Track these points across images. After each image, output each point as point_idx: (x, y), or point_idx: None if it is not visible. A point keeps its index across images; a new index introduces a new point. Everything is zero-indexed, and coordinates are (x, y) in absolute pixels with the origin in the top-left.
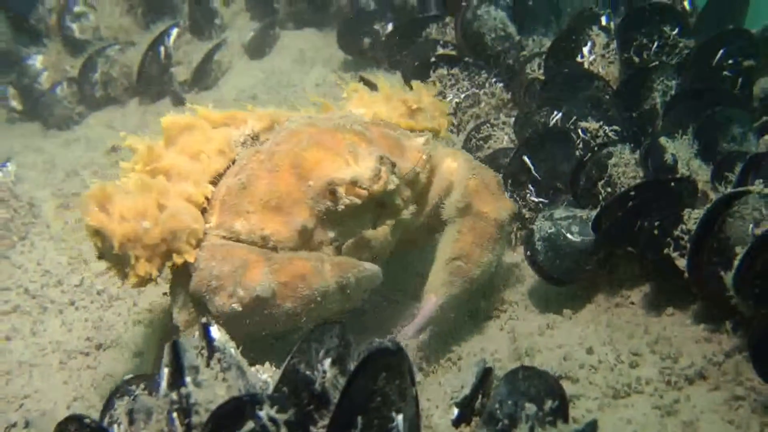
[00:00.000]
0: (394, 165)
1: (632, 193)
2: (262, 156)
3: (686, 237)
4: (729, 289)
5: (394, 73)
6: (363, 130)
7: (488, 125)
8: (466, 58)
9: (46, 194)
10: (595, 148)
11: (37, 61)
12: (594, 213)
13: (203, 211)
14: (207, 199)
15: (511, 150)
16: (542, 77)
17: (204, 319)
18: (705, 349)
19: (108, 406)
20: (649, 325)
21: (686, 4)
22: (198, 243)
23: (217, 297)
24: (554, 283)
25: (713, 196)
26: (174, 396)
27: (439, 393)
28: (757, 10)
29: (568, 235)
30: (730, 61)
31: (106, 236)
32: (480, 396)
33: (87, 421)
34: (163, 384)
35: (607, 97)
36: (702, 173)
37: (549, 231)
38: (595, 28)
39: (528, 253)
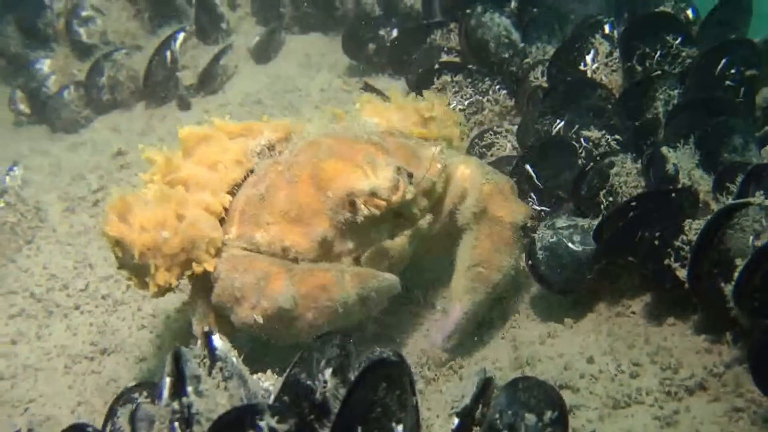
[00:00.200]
0: (411, 175)
1: (633, 203)
2: (281, 167)
3: (687, 248)
4: (729, 301)
5: (399, 79)
6: (380, 141)
7: (491, 133)
8: (470, 66)
9: (53, 198)
10: (597, 158)
11: (44, 65)
12: (595, 222)
13: (221, 220)
14: (225, 209)
15: (514, 158)
16: (545, 85)
17: (206, 328)
18: (705, 360)
19: (111, 413)
20: (649, 335)
21: (689, 12)
22: (217, 252)
23: (240, 308)
24: (555, 293)
25: (714, 206)
26: (176, 405)
27: (440, 402)
28: (760, 19)
29: (570, 245)
30: (733, 71)
31: (127, 246)
32: (480, 406)
33: (90, 429)
34: (165, 393)
35: (610, 106)
36: (703, 183)
37: (550, 240)
38: (598, 36)
39: (530, 262)
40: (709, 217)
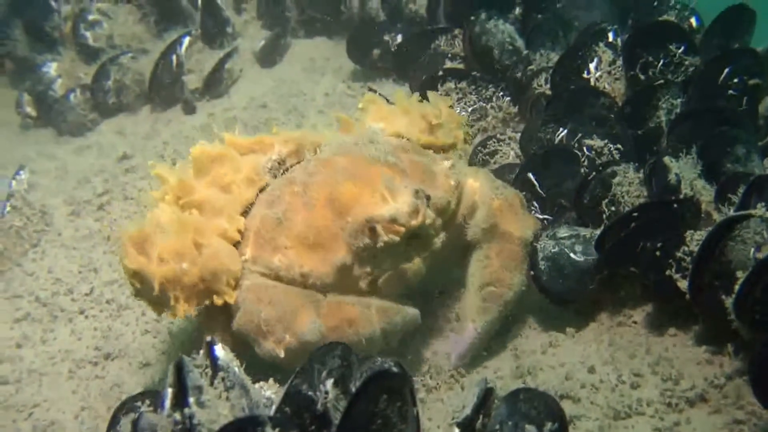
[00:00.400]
0: (429, 198)
1: (635, 213)
2: (297, 188)
3: (688, 258)
4: (730, 313)
5: (403, 85)
6: (396, 161)
7: (495, 140)
8: (474, 72)
9: (58, 202)
10: (600, 167)
11: (51, 68)
12: (597, 232)
13: (236, 243)
14: (240, 231)
15: (517, 165)
16: (549, 93)
17: (209, 338)
18: (706, 372)
19: (114, 422)
20: (651, 346)
21: (693, 21)
22: (236, 283)
23: (266, 342)
24: (557, 302)
25: (717, 216)
26: (177, 416)
27: (442, 412)
28: (764, 27)
29: (572, 255)
30: (736, 80)
31: (146, 278)
32: (481, 416)
33: None
34: (167, 404)
35: (613, 114)
36: (706, 193)
37: (552, 250)
38: (601, 44)
39: (531, 272)
40: (710, 228)
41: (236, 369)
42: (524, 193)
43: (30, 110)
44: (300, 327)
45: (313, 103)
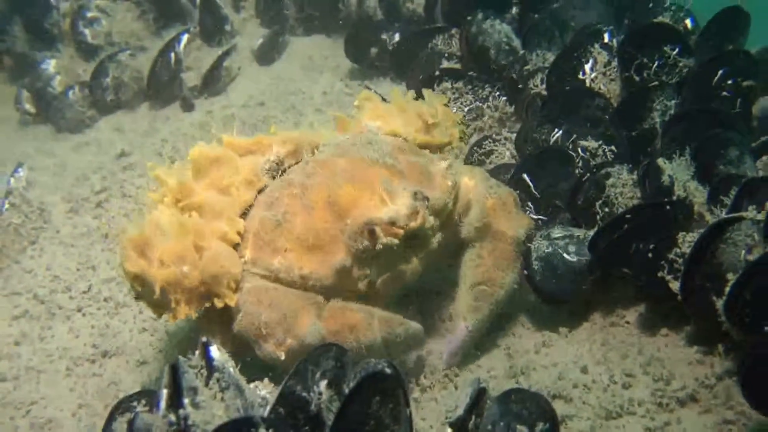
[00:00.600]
0: (427, 199)
1: (628, 215)
2: (296, 190)
3: (680, 260)
4: (720, 315)
5: (400, 84)
6: (394, 163)
7: (490, 140)
8: (471, 72)
9: (57, 199)
10: (594, 168)
11: (50, 65)
12: (591, 233)
13: (235, 245)
14: (239, 233)
15: (512, 166)
16: (544, 93)
17: (204, 339)
18: (697, 372)
19: (110, 421)
20: (643, 346)
21: (688, 22)
22: (237, 285)
23: (267, 344)
24: (550, 302)
25: (709, 218)
26: (172, 417)
27: (435, 412)
28: (758, 29)
29: (565, 256)
30: (730, 82)
31: (147, 282)
32: (474, 416)
33: None
34: (162, 404)
35: (607, 116)
36: (698, 195)
37: (546, 251)
38: (597, 45)
39: (525, 272)
40: (702, 230)
41: (231, 370)
42: (519, 193)
43: (29, 107)
44: (300, 329)
45: (311, 101)
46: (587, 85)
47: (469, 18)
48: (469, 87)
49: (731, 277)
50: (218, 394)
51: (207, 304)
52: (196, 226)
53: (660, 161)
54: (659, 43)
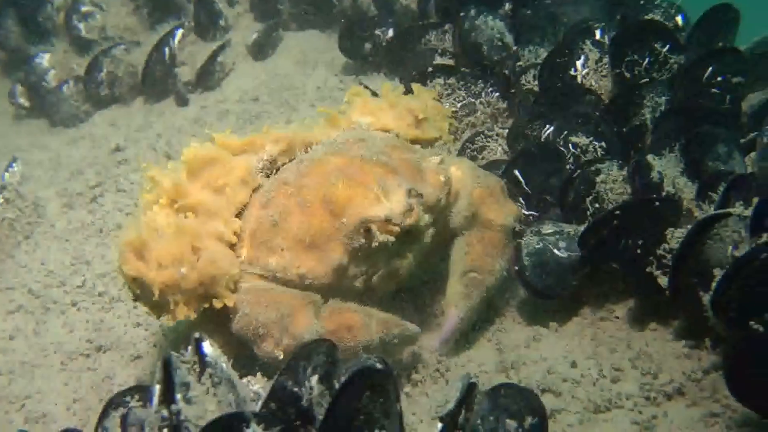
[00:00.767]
0: (421, 196)
1: (617, 212)
2: (290, 189)
3: (669, 256)
4: (707, 310)
5: (394, 79)
6: (387, 160)
7: (483, 136)
8: (463, 69)
9: (51, 193)
10: (584, 165)
11: (44, 59)
12: (581, 228)
13: (232, 245)
14: (235, 233)
15: (504, 162)
16: (537, 89)
17: (197, 335)
18: (685, 366)
19: (103, 416)
20: (631, 340)
21: (679, 19)
22: (235, 286)
23: (264, 343)
24: (541, 298)
25: (698, 213)
26: (165, 413)
27: (425, 406)
28: (748, 26)
29: (555, 251)
30: (720, 79)
31: (146, 284)
32: (463, 411)
33: None
34: (155, 400)
35: (598, 112)
36: (687, 191)
37: (536, 247)
38: (588, 42)
39: (516, 267)
40: (690, 226)
41: (224, 365)
42: (510, 188)
43: (23, 101)
44: (298, 329)
45: (304, 96)
46: (579, 81)
47: (461, 14)
48: (462, 83)
49: (718, 273)
50: (210, 389)
51: (205, 305)
52: (193, 227)
53: (649, 158)
54: (650, 41)
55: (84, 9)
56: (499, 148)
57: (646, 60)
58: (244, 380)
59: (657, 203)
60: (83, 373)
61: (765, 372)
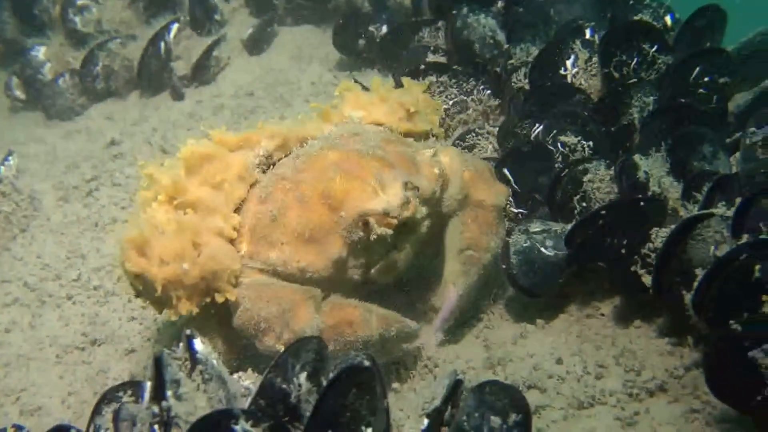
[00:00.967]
0: (417, 189)
1: (603, 211)
2: (288, 184)
3: (653, 255)
4: (689, 309)
5: (387, 75)
6: (383, 154)
7: (473, 134)
8: (455, 67)
9: (47, 187)
10: (571, 164)
11: (40, 52)
12: (568, 227)
13: (231, 240)
14: (235, 229)
15: (494, 160)
16: (527, 88)
17: (188, 332)
18: (667, 363)
19: (96, 412)
20: (616, 338)
21: (668, 19)
22: (237, 281)
23: (266, 338)
24: (528, 296)
25: (683, 213)
26: (156, 409)
27: (413, 402)
28: (735, 27)
29: (543, 250)
30: (707, 79)
31: (148, 280)
32: (450, 407)
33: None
34: (146, 397)
35: (587, 112)
36: (673, 191)
37: (524, 245)
38: (578, 41)
39: (503, 266)
40: (673, 226)
41: (214, 361)
42: None
43: (19, 93)
44: (299, 324)
45: (299, 91)
46: (569, 80)
47: (454, 11)
48: (454, 81)
49: (700, 273)
50: (201, 385)
51: (207, 299)
52: (193, 223)
53: (636, 157)
54: (638, 41)
55: (80, 2)
56: (490, 146)
57: (635, 60)
58: (235, 376)
59: (642, 203)
60: (78, 367)
61: (742, 370)
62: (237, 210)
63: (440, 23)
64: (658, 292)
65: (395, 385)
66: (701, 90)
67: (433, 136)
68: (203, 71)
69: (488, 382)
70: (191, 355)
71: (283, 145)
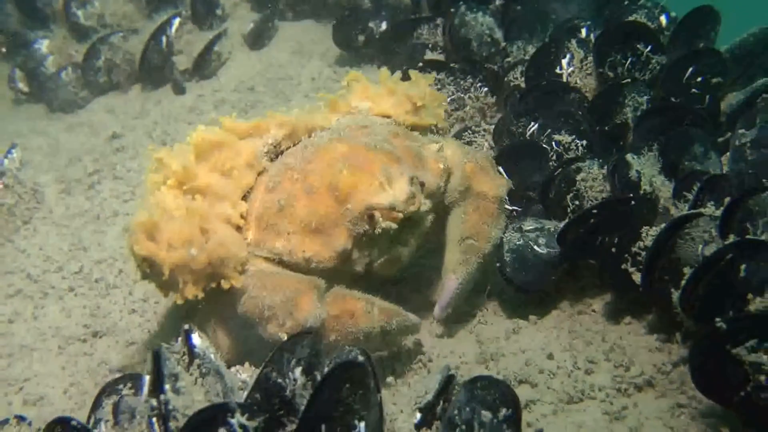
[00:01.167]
0: (423, 184)
1: (595, 210)
2: (296, 174)
3: (643, 253)
4: (676, 306)
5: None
6: (391, 149)
7: (470, 132)
8: (453, 64)
9: (50, 179)
10: (565, 163)
11: (43, 45)
12: (561, 225)
13: (238, 227)
14: (242, 216)
15: None
16: (523, 86)
17: (186, 326)
18: (656, 359)
19: (96, 404)
20: (606, 334)
21: (663, 19)
22: (243, 268)
23: (270, 325)
24: (521, 293)
25: (674, 212)
26: (154, 402)
27: (406, 397)
28: (728, 28)
29: (536, 247)
30: (699, 79)
31: (156, 264)
32: (442, 402)
33: (74, 423)
34: (145, 390)
35: (581, 111)
36: (664, 190)
37: (517, 243)
38: (574, 40)
39: (497, 264)
40: (663, 226)
41: (212, 355)
42: None
43: (22, 86)
44: (302, 312)
45: (299, 87)
46: (564, 79)
47: (452, 9)
48: (452, 78)
49: (687, 271)
50: (199, 379)
51: (213, 285)
52: (202, 209)
53: (628, 156)
54: (632, 41)
55: None
56: (486, 144)
57: (629, 60)
58: (232, 370)
59: (633, 202)
60: (80, 358)
61: (726, 367)
62: (245, 197)
63: (439, 20)
64: (648, 289)
65: (389, 379)
66: (694, 90)
67: (438, 129)
68: (204, 65)
69: (480, 377)
70: (189, 349)
71: (291, 134)
